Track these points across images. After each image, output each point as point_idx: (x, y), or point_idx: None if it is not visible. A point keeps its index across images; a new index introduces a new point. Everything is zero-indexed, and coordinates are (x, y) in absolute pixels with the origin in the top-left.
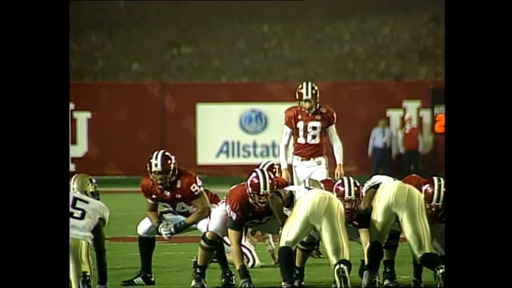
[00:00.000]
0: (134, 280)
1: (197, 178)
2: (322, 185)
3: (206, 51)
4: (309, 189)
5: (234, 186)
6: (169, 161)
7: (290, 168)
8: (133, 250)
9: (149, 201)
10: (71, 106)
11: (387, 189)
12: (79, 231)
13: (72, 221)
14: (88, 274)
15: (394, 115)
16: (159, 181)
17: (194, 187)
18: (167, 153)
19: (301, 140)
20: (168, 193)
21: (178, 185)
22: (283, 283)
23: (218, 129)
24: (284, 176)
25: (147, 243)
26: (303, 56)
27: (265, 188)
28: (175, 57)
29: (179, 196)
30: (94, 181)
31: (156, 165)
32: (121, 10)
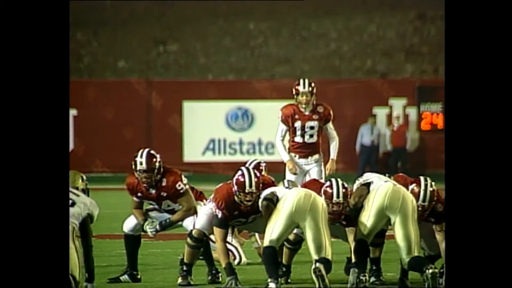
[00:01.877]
0: (120, 278)
1: (183, 176)
2: (299, 186)
3: (192, 49)
4: (289, 188)
5: (220, 184)
6: (154, 160)
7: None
8: (119, 248)
9: (135, 199)
10: None
11: (382, 191)
12: None
13: None
14: (75, 276)
15: (380, 112)
16: (144, 180)
17: (179, 185)
18: (152, 152)
19: (298, 139)
20: (153, 191)
21: (164, 183)
22: (269, 280)
23: (204, 127)
24: (290, 166)
25: (133, 241)
26: (289, 54)
27: (250, 186)
28: (161, 55)
29: (165, 194)
30: (85, 178)
31: (141, 163)
32: (107, 8)
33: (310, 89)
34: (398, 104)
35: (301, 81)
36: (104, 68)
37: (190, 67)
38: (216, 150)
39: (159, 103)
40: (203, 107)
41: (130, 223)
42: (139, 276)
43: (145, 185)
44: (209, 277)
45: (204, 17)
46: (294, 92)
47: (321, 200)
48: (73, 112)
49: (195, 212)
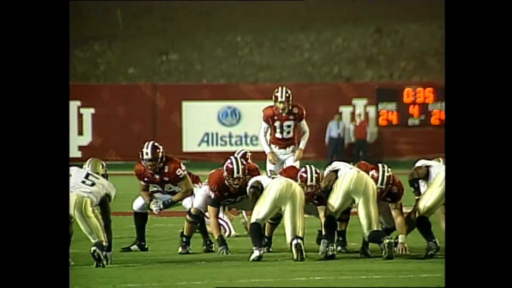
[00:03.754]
0: (131, 247)
1: (181, 164)
2: (278, 174)
3: (189, 58)
4: (272, 178)
5: (213, 171)
6: (158, 150)
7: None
8: (129, 223)
9: (142, 183)
10: (78, 103)
11: (348, 177)
12: (84, 192)
13: (81, 186)
14: (102, 243)
15: (345, 110)
16: (149, 167)
17: (179, 171)
18: (156, 144)
19: (278, 135)
20: (157, 176)
21: (166, 170)
22: (254, 248)
23: (199, 123)
24: (270, 157)
25: (141, 217)
26: (270, 61)
27: (238, 172)
28: (164, 63)
29: (167, 178)
30: (104, 165)
31: (147, 153)
32: (119, 24)
33: (286, 96)
34: (360, 104)
35: (279, 90)
36: (117, 74)
37: (188, 73)
38: (209, 142)
39: (163, 103)
40: (199, 106)
41: (138, 203)
42: (146, 246)
43: (150, 171)
44: (204, 247)
45: (199, 32)
46: (273, 98)
47: (299, 188)
48: (91, 110)
49: (192, 193)
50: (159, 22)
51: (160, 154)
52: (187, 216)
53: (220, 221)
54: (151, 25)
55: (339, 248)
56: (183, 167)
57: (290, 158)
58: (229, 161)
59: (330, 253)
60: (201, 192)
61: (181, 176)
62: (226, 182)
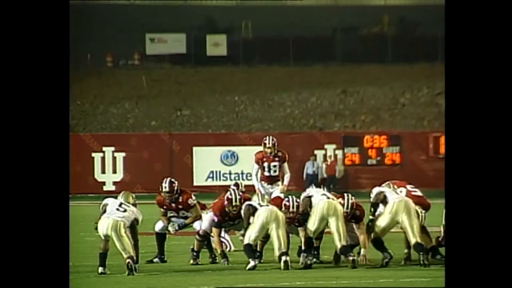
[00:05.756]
0: (154, 260)
1: (192, 195)
2: (270, 202)
3: (198, 113)
4: (261, 205)
5: (216, 200)
6: (173, 185)
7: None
8: (152, 241)
9: (161, 210)
10: (113, 148)
11: (321, 204)
12: (118, 217)
13: (116, 212)
14: (133, 256)
15: (319, 153)
16: (167, 197)
17: (190, 201)
18: (172, 179)
19: (266, 173)
20: (173, 205)
21: (180, 200)
22: (249, 259)
23: (206, 163)
24: (258, 192)
25: (161, 236)
26: (260, 115)
27: (236, 201)
28: (178, 117)
29: (181, 206)
30: (133, 196)
31: (165, 187)
32: (144, 87)
33: (273, 143)
34: (330, 148)
35: (267, 138)
36: (142, 126)
37: (197, 125)
38: (214, 177)
39: (177, 148)
40: (206, 151)
41: (159, 225)
42: (165, 259)
43: (167, 201)
44: (210, 259)
45: (206, 93)
46: (262, 144)
47: (281, 214)
48: (123, 154)
49: (200, 218)
50: (175, 85)
51: (176, 187)
52: (197, 236)
53: (222, 239)
54: (168, 88)
55: (314, 259)
56: (194, 198)
57: (276, 191)
58: (228, 193)
59: (309, 263)
60: (207, 217)
61: (192, 204)
62: (226, 209)
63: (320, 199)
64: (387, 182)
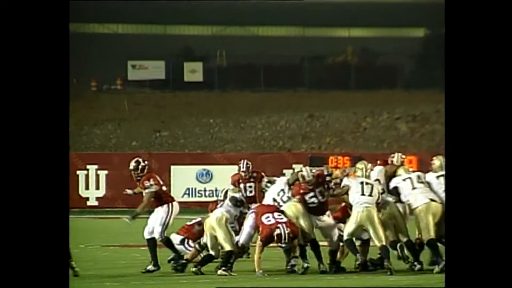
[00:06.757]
0: (148, 268)
1: (153, 180)
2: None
3: (176, 134)
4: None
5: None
6: (138, 163)
7: None
8: (133, 252)
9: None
10: (96, 166)
11: (362, 212)
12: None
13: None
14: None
15: (287, 172)
16: (134, 176)
17: (146, 183)
18: (140, 159)
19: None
20: (138, 184)
21: (141, 180)
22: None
23: (183, 180)
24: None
25: (151, 243)
26: (234, 137)
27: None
28: (157, 138)
29: (141, 186)
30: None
31: (131, 165)
32: (125, 110)
33: (247, 167)
34: (298, 168)
35: (242, 162)
36: (124, 146)
37: (175, 145)
38: (190, 194)
39: (156, 166)
40: (183, 169)
41: (145, 232)
42: (159, 264)
43: (135, 180)
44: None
45: (183, 116)
46: (238, 168)
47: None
48: (105, 172)
49: (149, 207)
50: (154, 108)
51: (140, 165)
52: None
53: (188, 247)
54: (148, 111)
55: (306, 265)
56: (152, 183)
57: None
58: (278, 230)
59: (298, 269)
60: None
61: (146, 186)
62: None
63: (361, 206)
64: (362, 161)
